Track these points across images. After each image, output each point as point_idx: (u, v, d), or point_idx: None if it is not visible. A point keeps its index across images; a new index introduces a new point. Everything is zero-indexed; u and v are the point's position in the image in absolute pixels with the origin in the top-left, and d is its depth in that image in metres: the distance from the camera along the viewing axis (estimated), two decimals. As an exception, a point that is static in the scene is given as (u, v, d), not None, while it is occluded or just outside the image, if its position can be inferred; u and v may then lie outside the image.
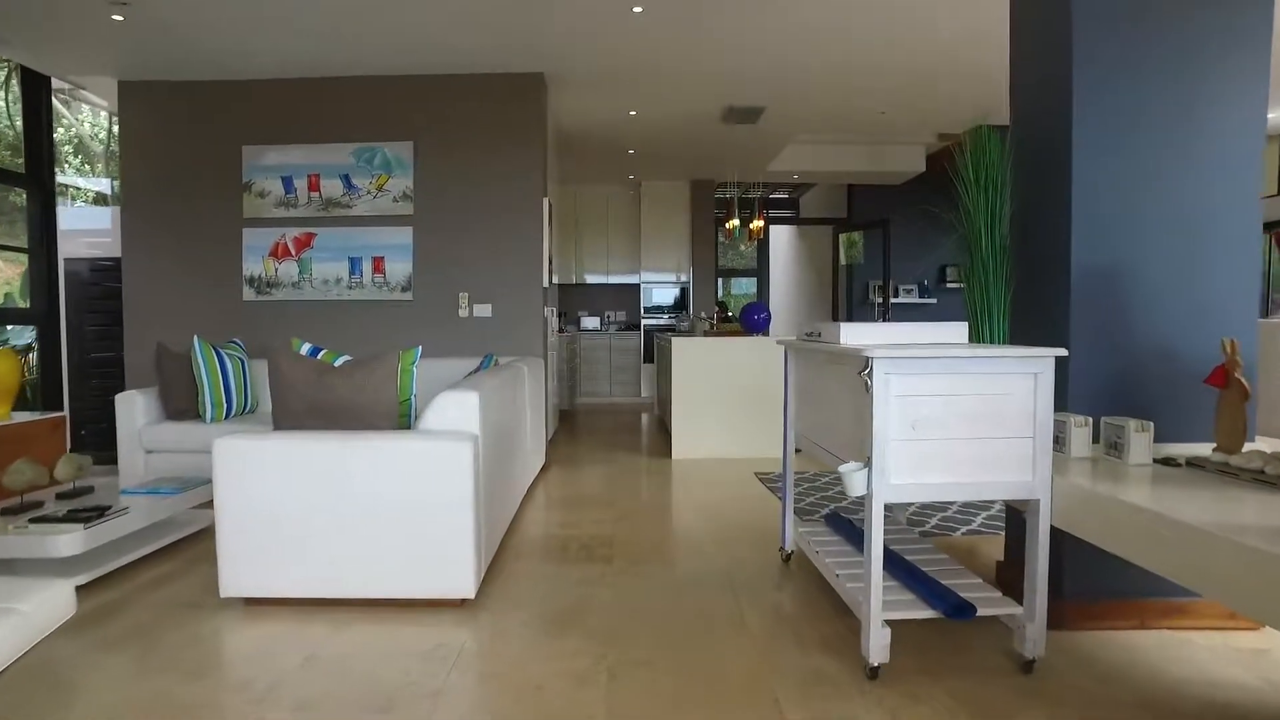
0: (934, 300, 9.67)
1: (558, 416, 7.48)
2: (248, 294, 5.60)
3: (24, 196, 5.67)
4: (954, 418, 2.16)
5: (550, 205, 5.86)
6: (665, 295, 9.91)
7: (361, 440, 2.80)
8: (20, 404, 6.96)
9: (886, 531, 3.11)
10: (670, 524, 4.02)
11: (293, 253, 5.56)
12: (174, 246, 5.65)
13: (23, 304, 5.89)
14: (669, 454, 6.02)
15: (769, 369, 5.81)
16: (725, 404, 5.87)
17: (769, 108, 6.52)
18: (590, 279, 10.12)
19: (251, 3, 4.37)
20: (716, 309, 7.73)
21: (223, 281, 5.63)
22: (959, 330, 2.53)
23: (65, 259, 6.62)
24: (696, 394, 5.87)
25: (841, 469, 2.20)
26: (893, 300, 9.54)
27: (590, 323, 10.15)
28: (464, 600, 2.88)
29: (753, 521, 4.05)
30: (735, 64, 5.44)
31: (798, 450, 3.22)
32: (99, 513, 3.18)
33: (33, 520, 3.09)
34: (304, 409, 2.98)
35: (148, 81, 5.63)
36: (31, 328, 5.82)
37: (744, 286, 13.21)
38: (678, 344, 5.89)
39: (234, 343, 4.98)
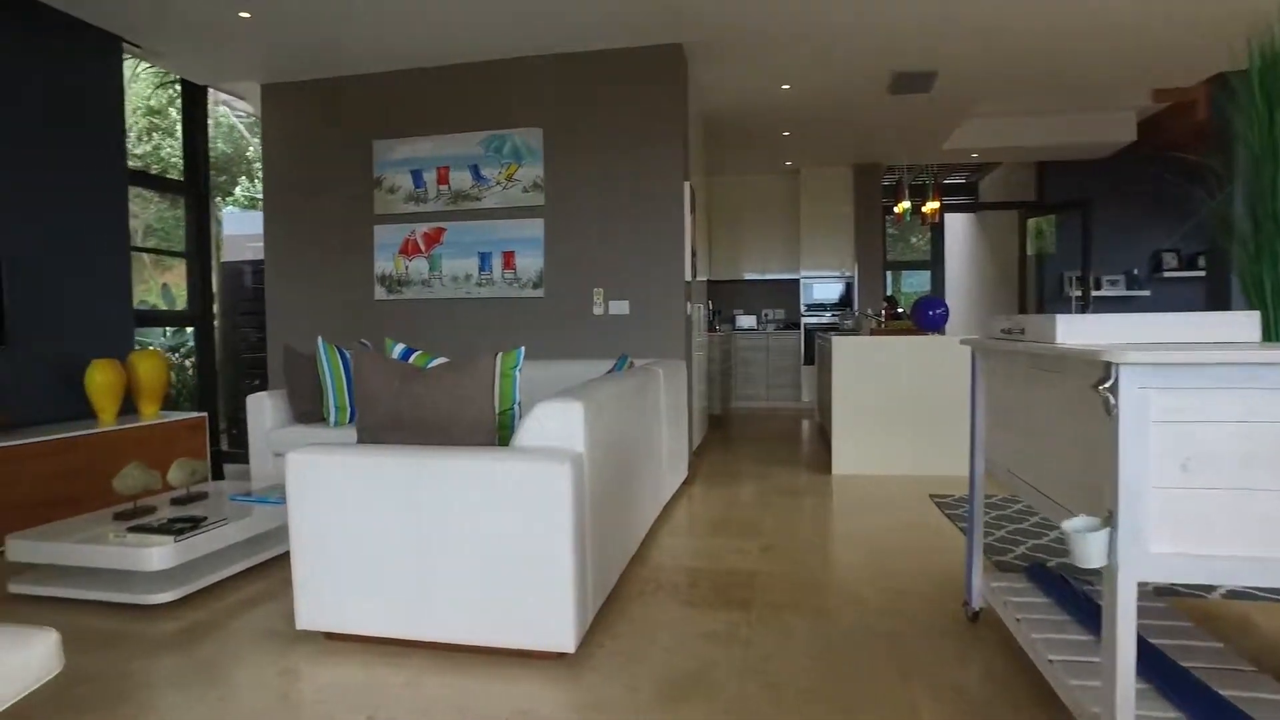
0: (1146, 293, 8.27)
1: (706, 423, 6.93)
2: (379, 293, 5.46)
3: (182, 203, 5.85)
4: (1256, 456, 1.41)
5: (692, 191, 5.33)
6: (827, 291, 9.11)
7: (439, 458, 2.38)
8: (174, 403, 7.29)
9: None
10: (824, 559, 3.37)
11: (423, 249, 5.36)
12: (310, 247, 5.62)
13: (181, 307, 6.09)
14: (829, 469, 5.32)
15: (947, 372, 4.97)
16: (894, 412, 5.09)
17: (942, 72, 5.64)
18: (747, 275, 9.50)
19: (373, -14, 4.15)
20: (885, 305, 6.89)
21: (356, 281, 5.53)
22: (1247, 322, 1.74)
23: (225, 262, 6.85)
24: (860, 400, 5.13)
25: (1067, 526, 1.50)
26: (1094, 293, 8.24)
27: (746, 321, 9.52)
28: (562, 654, 2.39)
29: (927, 560, 3.31)
30: (902, 20, 4.66)
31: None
32: (193, 524, 2.97)
33: (132, 529, 2.93)
34: (386, 420, 2.61)
35: (285, 84, 5.63)
36: (189, 329, 6.00)
37: (916, 282, 12.08)
38: (839, 344, 5.18)
39: (361, 343, 4.81)
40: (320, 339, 4.55)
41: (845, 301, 9.05)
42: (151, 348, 5.38)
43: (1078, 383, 1.69)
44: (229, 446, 6.15)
